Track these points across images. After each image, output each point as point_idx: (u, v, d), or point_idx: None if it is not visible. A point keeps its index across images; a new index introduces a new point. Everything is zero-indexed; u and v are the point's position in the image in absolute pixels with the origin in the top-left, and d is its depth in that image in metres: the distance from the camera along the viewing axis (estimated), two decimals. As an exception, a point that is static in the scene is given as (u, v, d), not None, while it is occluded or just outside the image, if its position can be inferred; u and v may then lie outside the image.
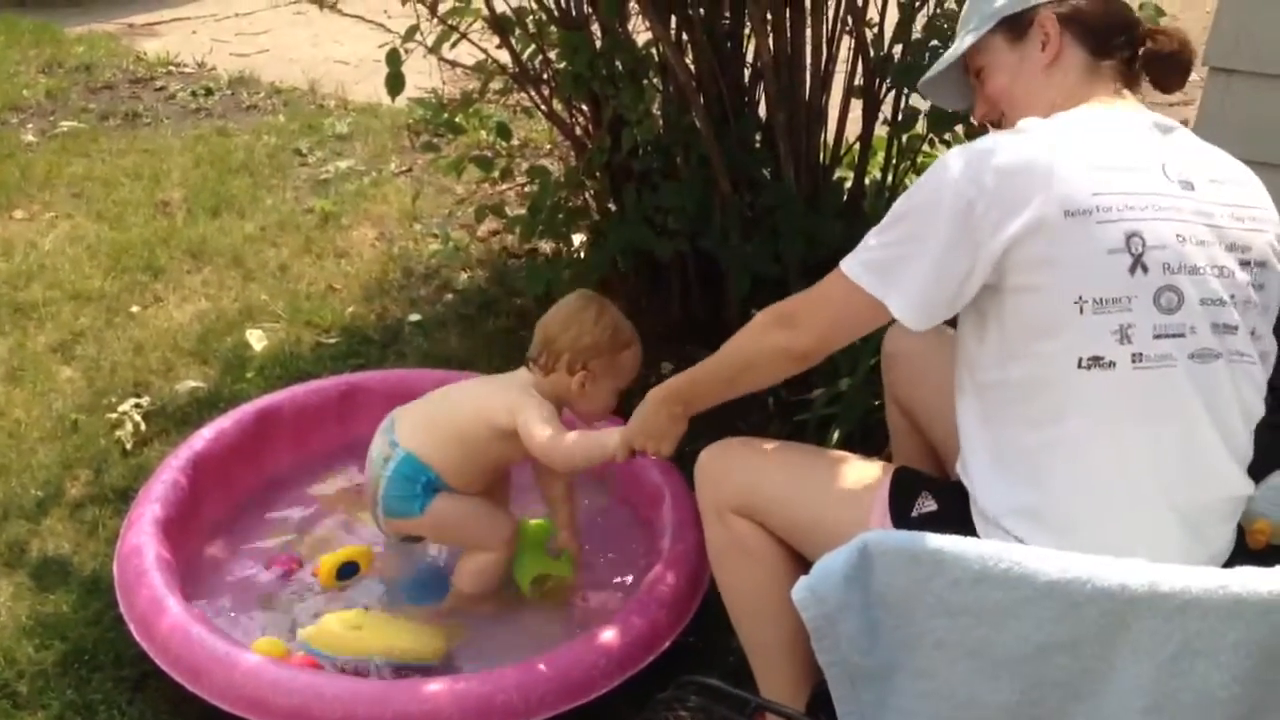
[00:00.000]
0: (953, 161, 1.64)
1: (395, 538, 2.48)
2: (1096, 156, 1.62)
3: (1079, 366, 1.58)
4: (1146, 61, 1.80)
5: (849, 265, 1.72)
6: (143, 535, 2.38)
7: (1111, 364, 1.58)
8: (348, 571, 2.50)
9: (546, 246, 3.65)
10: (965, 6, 1.90)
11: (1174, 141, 1.71)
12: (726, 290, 3.19)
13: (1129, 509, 1.59)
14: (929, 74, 1.97)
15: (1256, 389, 1.68)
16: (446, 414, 2.40)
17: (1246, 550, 1.76)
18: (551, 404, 2.36)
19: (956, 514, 1.73)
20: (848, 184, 3.32)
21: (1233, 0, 2.74)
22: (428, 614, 2.43)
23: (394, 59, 2.83)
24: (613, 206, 3.30)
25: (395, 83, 2.83)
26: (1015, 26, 1.79)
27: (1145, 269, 1.58)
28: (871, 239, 1.72)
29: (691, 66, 3.01)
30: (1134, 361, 1.58)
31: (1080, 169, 1.60)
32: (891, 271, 1.68)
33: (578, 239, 3.48)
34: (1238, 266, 1.64)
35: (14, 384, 3.14)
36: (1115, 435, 1.60)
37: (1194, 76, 5.01)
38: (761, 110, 3.11)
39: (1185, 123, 1.87)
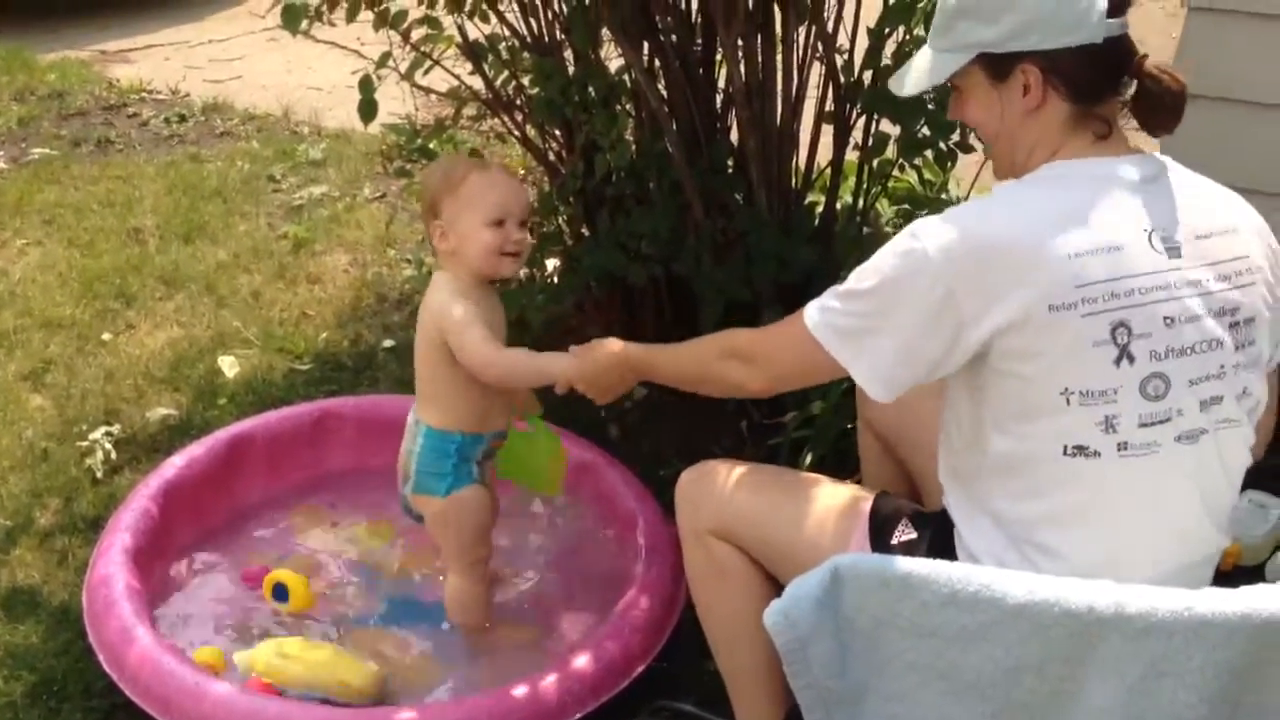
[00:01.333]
0: (928, 241, 1.59)
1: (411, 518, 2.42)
2: (1078, 239, 1.55)
3: (1064, 454, 1.58)
4: (1138, 101, 1.69)
5: (814, 324, 1.70)
6: (112, 565, 2.36)
7: (1096, 453, 1.57)
8: (279, 594, 2.46)
9: (520, 272, 3.64)
10: (937, 15, 1.77)
11: (1159, 197, 1.64)
12: (699, 314, 3.20)
13: (1109, 575, 1.57)
14: (903, 78, 1.85)
15: (1244, 444, 1.68)
16: (421, 366, 2.30)
17: (1216, 572, 1.78)
18: (471, 301, 2.21)
19: (938, 543, 1.74)
20: (819, 209, 3.33)
21: (1196, 27, 2.78)
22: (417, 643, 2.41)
23: (367, 86, 2.84)
24: (586, 232, 3.30)
25: (368, 109, 2.83)
26: (996, 67, 1.69)
27: (1131, 359, 1.56)
28: (839, 301, 1.69)
29: (664, 92, 3.03)
30: (1119, 450, 1.57)
31: (1062, 257, 1.54)
32: (859, 341, 1.66)
33: (551, 264, 3.48)
34: (1227, 332, 1.61)
35: (-17, 413, 3.12)
36: (1099, 520, 1.61)
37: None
38: (734, 136, 3.13)
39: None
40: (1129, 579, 1.55)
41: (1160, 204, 1.63)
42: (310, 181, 4.52)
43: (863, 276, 1.66)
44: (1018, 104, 1.69)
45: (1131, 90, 1.70)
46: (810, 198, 3.36)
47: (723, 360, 1.86)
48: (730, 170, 3.15)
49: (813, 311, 1.71)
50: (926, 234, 1.60)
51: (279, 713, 2.08)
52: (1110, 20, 1.63)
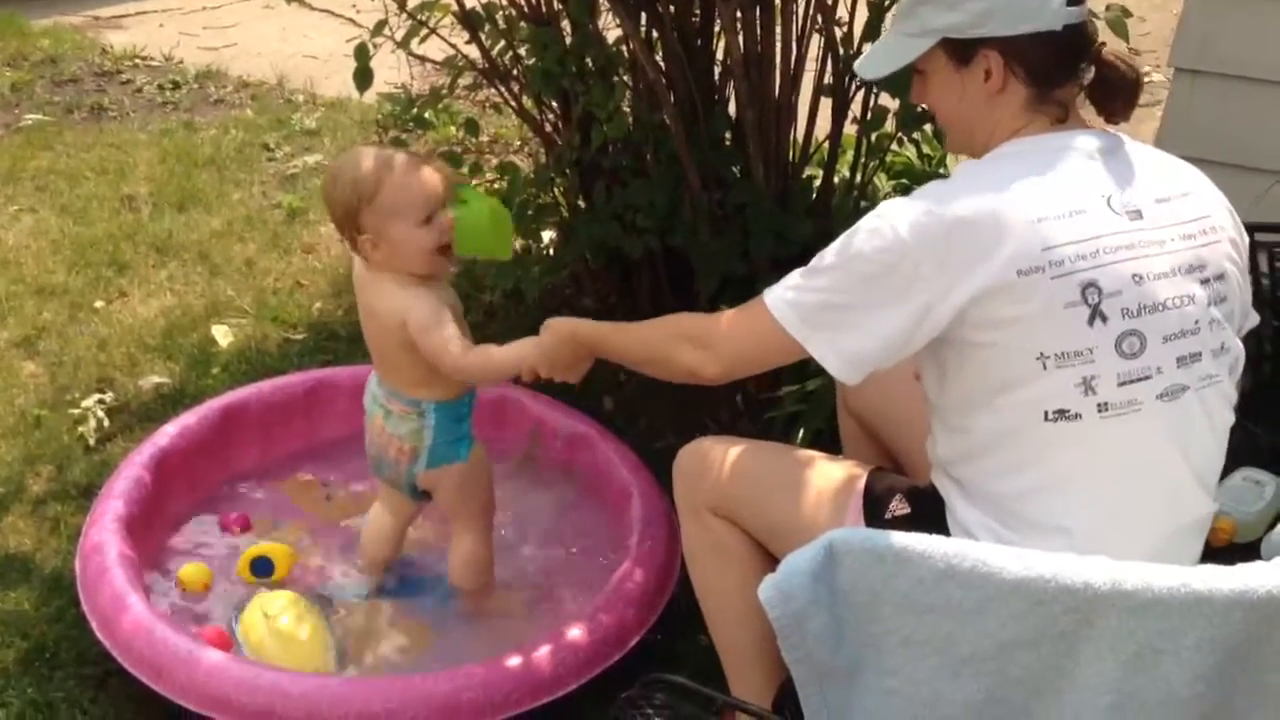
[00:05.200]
0: (895, 217, 1.61)
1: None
2: (1041, 205, 1.59)
3: (1045, 420, 1.59)
4: (1095, 88, 1.74)
5: (775, 303, 1.69)
6: (105, 532, 2.36)
7: (1078, 415, 1.58)
8: (262, 568, 2.46)
9: (516, 243, 3.63)
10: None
11: (1116, 165, 1.68)
12: (696, 287, 3.19)
13: (1103, 547, 1.56)
14: (868, 61, 1.88)
15: (1226, 401, 1.69)
16: (396, 358, 2.23)
17: (1209, 548, 1.78)
18: (432, 298, 2.15)
19: (930, 518, 1.74)
20: (817, 182, 3.32)
21: (1198, 4, 2.77)
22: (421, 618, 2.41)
23: (362, 54, 2.81)
24: (582, 203, 3.29)
25: (363, 78, 2.81)
26: (959, 51, 1.72)
27: (1104, 318, 1.57)
28: (802, 279, 1.69)
29: (661, 64, 3.01)
30: (1100, 411, 1.58)
31: (1027, 223, 1.57)
32: (821, 320, 1.66)
33: (547, 236, 3.47)
34: (1198, 287, 1.64)
35: (-25, 380, 3.11)
36: (1085, 483, 1.61)
37: (1159, 77, 5.07)
38: (731, 108, 3.11)
39: (1139, 140, 1.85)
40: (1123, 544, 1.57)
41: (1118, 171, 1.67)
42: (305, 150, 4.49)
43: (826, 255, 1.67)
44: (979, 88, 1.72)
45: (1089, 76, 1.74)
46: (808, 171, 3.35)
47: (675, 343, 1.85)
48: (728, 143, 3.13)
49: (774, 290, 1.71)
50: (893, 213, 1.62)
51: (271, 681, 2.08)
52: (1069, 9, 1.68)
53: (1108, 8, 2.62)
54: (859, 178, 3.31)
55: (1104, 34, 1.85)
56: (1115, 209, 1.62)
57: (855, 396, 2.20)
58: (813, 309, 1.67)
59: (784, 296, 1.69)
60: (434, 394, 2.28)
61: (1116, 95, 1.73)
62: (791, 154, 3.20)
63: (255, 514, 2.65)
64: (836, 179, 3.36)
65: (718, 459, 1.95)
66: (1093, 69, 1.73)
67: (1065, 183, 1.63)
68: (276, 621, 2.28)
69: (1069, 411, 1.58)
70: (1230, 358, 1.68)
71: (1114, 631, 1.40)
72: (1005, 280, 1.56)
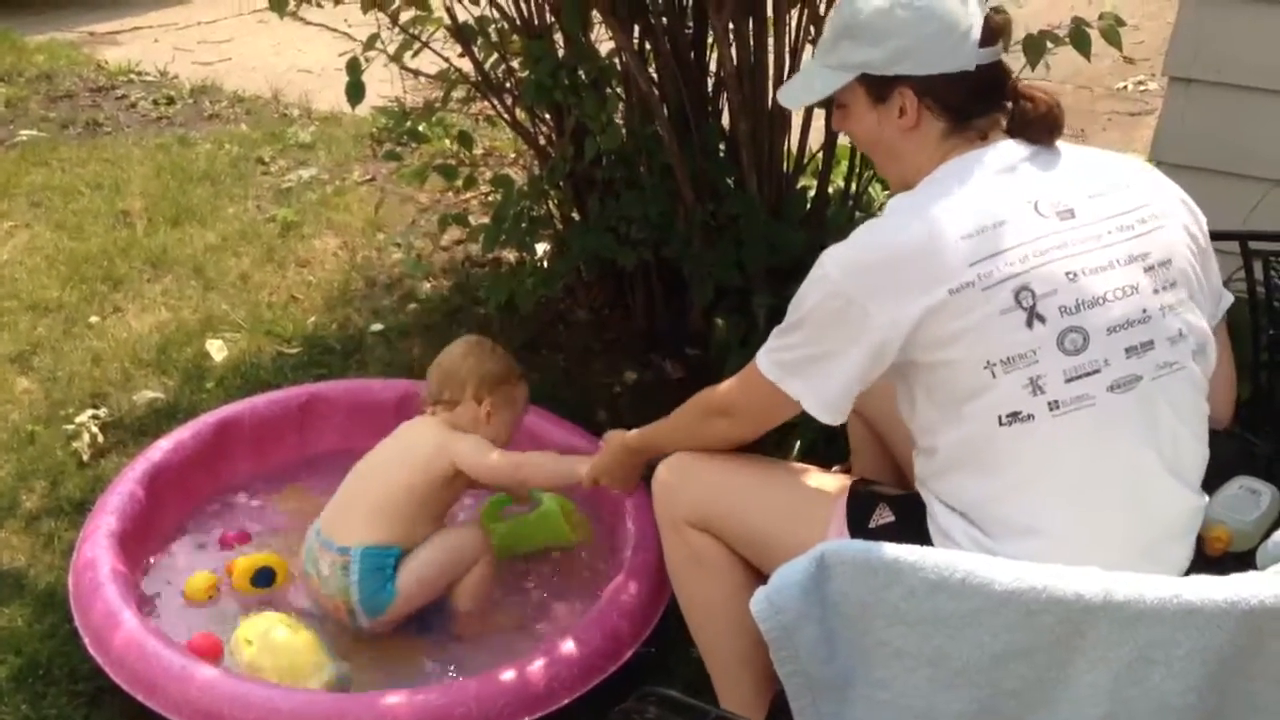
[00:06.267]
0: (831, 266, 1.69)
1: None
2: (964, 222, 1.63)
3: (1000, 424, 1.63)
4: (1014, 121, 1.76)
5: (764, 365, 1.78)
6: (98, 548, 2.35)
7: (1030, 416, 1.61)
8: (263, 578, 2.46)
9: (510, 255, 3.64)
10: (825, 29, 1.86)
11: (1043, 169, 1.72)
12: (690, 299, 3.19)
13: (1078, 545, 1.60)
14: (789, 90, 1.93)
15: (1195, 388, 1.70)
16: (387, 490, 2.37)
17: (1206, 558, 1.77)
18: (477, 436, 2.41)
19: (914, 525, 1.75)
20: (811, 192, 3.32)
21: (1192, 12, 2.77)
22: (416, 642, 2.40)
23: (354, 68, 2.81)
24: (576, 215, 3.29)
25: (355, 91, 2.81)
26: (876, 88, 1.77)
27: (1042, 319, 1.61)
28: (777, 339, 1.78)
29: (654, 75, 3.01)
30: (1051, 410, 1.61)
31: (952, 243, 1.62)
32: (802, 373, 1.74)
33: (541, 248, 3.46)
34: (1142, 275, 1.66)
35: (-31, 396, 3.10)
36: (1050, 482, 1.63)
37: (1154, 86, 5.06)
38: (726, 119, 3.11)
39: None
40: (1097, 542, 1.60)
41: (1044, 175, 1.71)
42: (299, 164, 4.49)
43: (791, 310, 1.75)
44: (895, 122, 1.77)
45: (1008, 107, 1.77)
46: (803, 182, 3.35)
47: (709, 419, 1.94)
48: (722, 154, 3.13)
49: (762, 354, 1.80)
50: (829, 259, 1.70)
51: (264, 698, 2.07)
52: (983, 50, 1.72)
53: (1100, 16, 2.63)
54: (854, 188, 3.31)
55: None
56: (1043, 212, 1.65)
57: (864, 401, 2.20)
58: (793, 364, 1.75)
59: (770, 356, 1.78)
60: (368, 537, 2.33)
61: (1034, 125, 1.75)
62: (786, 165, 3.20)
63: (253, 528, 2.65)
64: (831, 189, 3.36)
65: (697, 472, 1.96)
66: (1013, 99, 1.76)
67: (984, 197, 1.67)
68: (269, 636, 2.27)
69: (1021, 413, 1.61)
70: (1191, 342, 1.69)
71: (1106, 642, 1.40)
72: (939, 301, 1.61)
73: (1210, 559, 1.78)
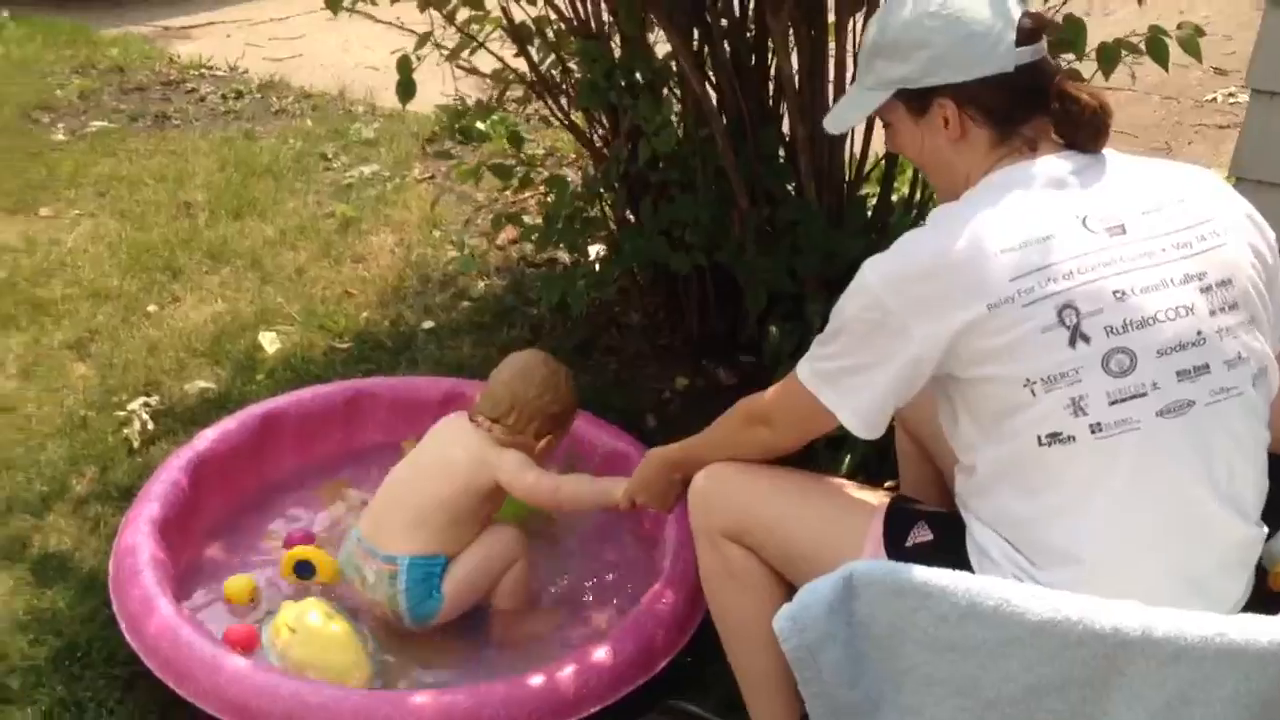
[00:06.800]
0: (871, 275, 1.66)
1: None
2: (1007, 236, 1.59)
3: (1040, 444, 1.58)
4: (1058, 121, 1.72)
5: (805, 374, 1.76)
6: (139, 535, 2.37)
7: (1071, 438, 1.57)
8: (303, 570, 2.45)
9: (565, 256, 3.62)
10: (860, 53, 1.85)
11: (1093, 184, 1.67)
12: (745, 305, 3.15)
13: (1123, 573, 1.55)
14: (834, 115, 1.92)
15: (1254, 416, 1.63)
16: (428, 502, 2.35)
17: (1267, 593, 1.69)
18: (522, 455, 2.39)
19: (953, 545, 1.70)
20: (873, 200, 3.26)
21: (1276, 22, 2.67)
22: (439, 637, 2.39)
23: (404, 66, 2.81)
24: (632, 217, 3.26)
25: (406, 90, 2.81)
26: (915, 101, 1.75)
27: (1086, 338, 1.56)
28: (818, 348, 1.76)
29: (712, 77, 2.98)
30: (1094, 432, 1.56)
31: (992, 257, 1.58)
32: (840, 384, 1.72)
33: (595, 250, 3.44)
34: (1198, 296, 1.60)
35: (28, 379, 3.15)
36: (1091, 507, 1.58)
37: (1244, 98, 4.90)
38: (787, 126, 3.06)
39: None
40: (1140, 572, 1.53)
41: (1093, 189, 1.66)
42: (361, 161, 4.51)
43: (831, 319, 1.73)
44: (941, 135, 1.74)
45: (1055, 108, 1.72)
46: (866, 189, 3.30)
47: (750, 428, 1.91)
48: (782, 160, 3.09)
49: (803, 362, 1.78)
50: (870, 268, 1.67)
51: (292, 691, 2.07)
52: (1021, 49, 1.69)
53: (1179, 26, 2.54)
54: (918, 195, 3.25)
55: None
56: (1091, 227, 1.61)
57: (911, 415, 2.17)
58: (831, 375, 1.72)
59: (809, 365, 1.76)
60: (414, 547, 2.32)
61: (1080, 128, 1.70)
62: (848, 171, 3.15)
63: (298, 523, 2.65)
64: (895, 197, 3.30)
65: (734, 483, 1.93)
66: (1059, 101, 1.71)
67: (1030, 210, 1.63)
68: (309, 624, 2.27)
69: (1061, 434, 1.57)
70: (1251, 366, 1.62)
71: (1145, 679, 1.35)
72: (978, 316, 1.57)
73: (1272, 594, 1.71)
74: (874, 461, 2.60)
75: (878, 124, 3.03)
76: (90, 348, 3.28)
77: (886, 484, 2.43)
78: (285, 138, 4.69)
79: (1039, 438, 1.57)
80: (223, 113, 5.04)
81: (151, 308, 3.49)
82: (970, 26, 1.68)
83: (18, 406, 3.03)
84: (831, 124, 1.92)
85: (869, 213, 3.22)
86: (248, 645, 2.27)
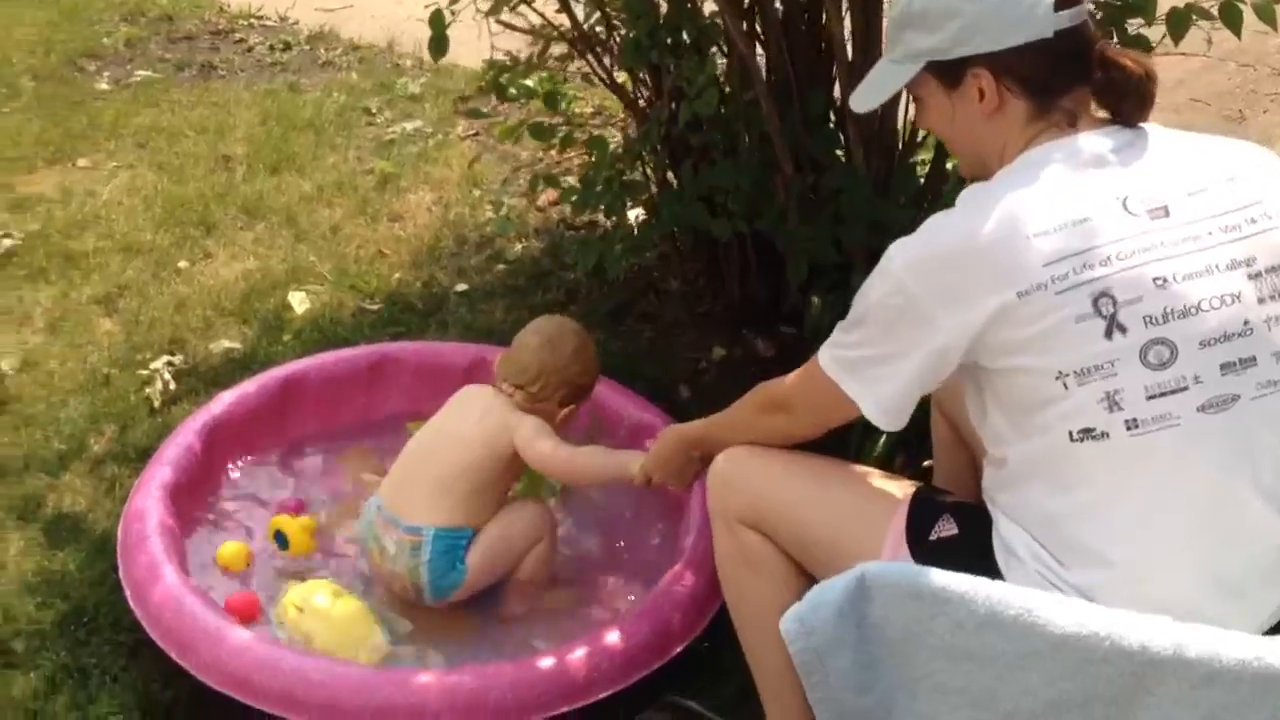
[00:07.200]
0: (896, 260, 1.57)
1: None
2: (1040, 218, 1.50)
3: (1072, 440, 1.48)
4: (1101, 90, 1.62)
5: (825, 361, 1.69)
6: (149, 499, 2.32)
7: (1104, 434, 1.46)
8: (281, 541, 2.40)
9: (605, 219, 3.51)
10: (889, 21, 1.75)
11: (1134, 162, 1.56)
12: (788, 273, 3.03)
13: (1153, 576, 1.45)
14: (861, 92, 1.81)
15: None
16: (449, 470, 2.28)
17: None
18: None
19: (978, 540, 1.61)
20: (926, 167, 3.12)
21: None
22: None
23: (438, 21, 2.72)
24: (674, 180, 3.15)
25: (438, 45, 2.72)
26: (947, 73, 1.64)
27: (1123, 329, 1.46)
28: (840, 334, 1.68)
29: (761, 34, 2.85)
30: (1129, 429, 1.45)
31: (1024, 240, 1.49)
32: (862, 374, 1.64)
33: (634, 214, 3.33)
34: (1245, 283, 1.48)
35: (53, 334, 3.12)
36: (1124, 508, 1.48)
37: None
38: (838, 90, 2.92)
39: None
40: (1174, 577, 1.44)
41: (1136, 169, 1.56)
42: (405, 116, 4.43)
43: (854, 304, 1.65)
44: (975, 108, 1.64)
45: (1097, 77, 1.62)
46: (922, 154, 3.15)
47: (768, 414, 1.85)
48: (832, 125, 2.96)
49: (824, 348, 1.69)
50: (896, 250, 1.58)
51: (293, 666, 2.01)
52: (1060, 13, 1.58)
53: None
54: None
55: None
56: (1132, 209, 1.50)
57: (946, 398, 2.08)
58: (852, 363, 1.64)
59: (830, 352, 1.68)
60: (439, 518, 2.25)
61: (1125, 96, 1.60)
62: (900, 138, 3.01)
63: (311, 491, 2.59)
64: (950, 164, 3.15)
65: (754, 467, 1.84)
66: (1102, 68, 1.61)
67: (1066, 190, 1.53)
68: (318, 603, 2.21)
69: (1095, 430, 1.46)
70: None
71: (1174, 701, 1.24)
72: (1007, 303, 1.48)
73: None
74: (913, 441, 2.48)
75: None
76: (118, 303, 3.25)
77: (925, 463, 2.32)
78: (330, 91, 4.62)
79: (1070, 433, 1.48)
80: (269, 64, 4.97)
81: (183, 263, 3.44)
82: None
83: (41, 362, 3.00)
84: (858, 102, 1.82)
85: (921, 181, 3.08)
86: (250, 613, 2.22)
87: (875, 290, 1.60)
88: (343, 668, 2.04)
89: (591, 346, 2.42)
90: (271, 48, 5.11)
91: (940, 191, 3.07)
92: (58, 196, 3.77)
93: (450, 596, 2.28)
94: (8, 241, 3.49)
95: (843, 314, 2.87)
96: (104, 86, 4.67)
